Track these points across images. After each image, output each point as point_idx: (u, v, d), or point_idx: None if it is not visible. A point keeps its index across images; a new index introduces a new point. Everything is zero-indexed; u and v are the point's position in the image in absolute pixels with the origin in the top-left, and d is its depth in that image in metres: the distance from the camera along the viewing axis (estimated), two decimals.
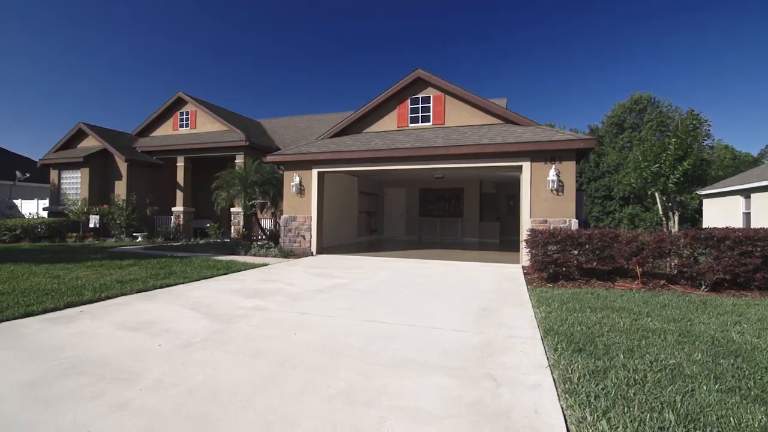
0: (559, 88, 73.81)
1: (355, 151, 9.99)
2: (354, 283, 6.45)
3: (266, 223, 14.72)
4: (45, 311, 4.46)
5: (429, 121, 10.85)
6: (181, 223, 15.74)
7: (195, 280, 6.59)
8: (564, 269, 6.21)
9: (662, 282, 5.96)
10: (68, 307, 4.67)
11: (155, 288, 5.87)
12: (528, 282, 6.58)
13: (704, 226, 23.62)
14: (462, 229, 16.94)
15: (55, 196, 16.15)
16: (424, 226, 17.51)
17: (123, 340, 3.50)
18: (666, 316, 4.21)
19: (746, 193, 18.85)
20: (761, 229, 6.06)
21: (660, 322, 3.97)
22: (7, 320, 4.11)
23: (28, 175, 25.31)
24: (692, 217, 24.25)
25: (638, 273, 6.00)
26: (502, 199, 17.76)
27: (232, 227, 15.30)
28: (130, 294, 5.43)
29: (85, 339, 3.52)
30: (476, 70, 77.14)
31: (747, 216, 18.86)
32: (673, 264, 5.77)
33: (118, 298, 5.20)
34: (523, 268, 8.30)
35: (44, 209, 17.13)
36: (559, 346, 3.25)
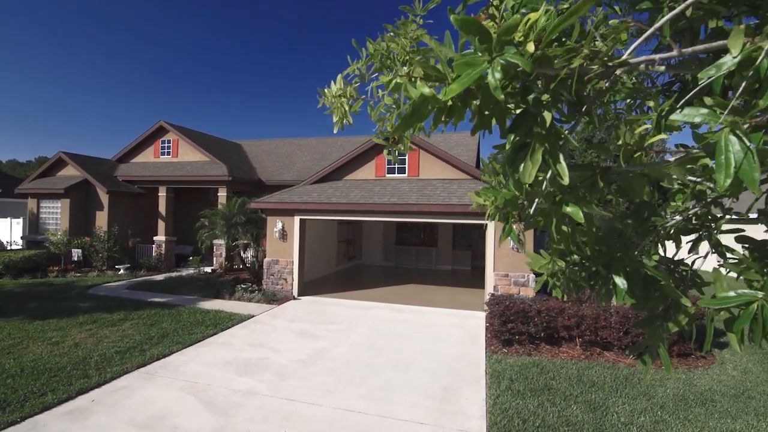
0: None
1: (336, 203, 10.73)
2: (335, 349, 7.21)
3: (248, 251, 15.25)
4: (60, 401, 5.05)
5: (405, 173, 11.69)
6: (163, 252, 16.06)
7: (187, 346, 7.21)
8: (517, 337, 7.17)
9: (598, 350, 7.00)
10: (80, 395, 5.26)
11: (153, 360, 6.48)
12: (487, 344, 7.52)
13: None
14: (436, 257, 17.92)
15: (34, 225, 16.17)
16: (400, 253, 18.39)
17: None
18: (589, 402, 5.19)
19: None
20: None
21: (582, 412, 4.92)
22: (30, 417, 4.69)
23: (0, 190, 24.80)
24: None
25: (578, 343, 7.03)
26: (473, 228, 18.81)
27: (215, 258, 15.76)
28: (132, 372, 6.03)
29: None
30: None
31: None
32: (607, 335, 6.80)
33: (122, 378, 5.80)
34: (487, 317, 9.25)
35: (22, 238, 17.09)
36: None
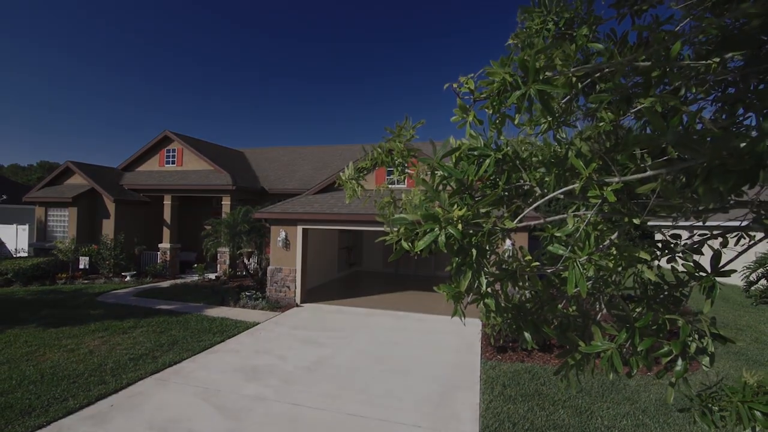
0: None
1: (337, 213, 11.11)
2: (337, 356, 7.57)
3: (252, 259, 15.61)
4: (81, 406, 5.41)
5: (404, 184, 12.07)
6: (168, 259, 16.42)
7: (197, 353, 7.56)
8: (511, 344, 7.53)
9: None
10: (99, 400, 5.62)
11: (165, 366, 6.83)
12: (483, 351, 7.86)
13: None
14: (435, 263, 18.28)
15: (42, 232, 16.53)
16: (400, 260, 18.74)
17: None
18: (575, 407, 5.54)
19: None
20: None
21: (568, 416, 5.28)
22: (54, 421, 5.05)
23: (5, 197, 25.20)
24: None
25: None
26: None
27: (219, 265, 16.12)
28: (146, 378, 6.39)
29: None
30: None
31: None
32: None
33: (138, 384, 6.15)
34: (483, 325, 9.60)
35: (30, 245, 17.45)
36: None
